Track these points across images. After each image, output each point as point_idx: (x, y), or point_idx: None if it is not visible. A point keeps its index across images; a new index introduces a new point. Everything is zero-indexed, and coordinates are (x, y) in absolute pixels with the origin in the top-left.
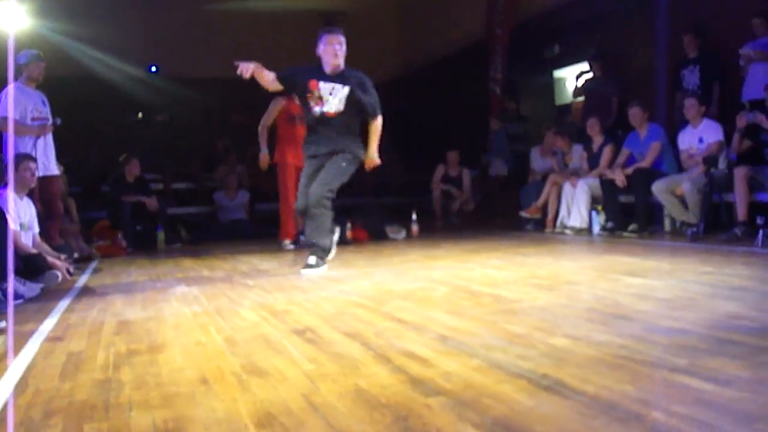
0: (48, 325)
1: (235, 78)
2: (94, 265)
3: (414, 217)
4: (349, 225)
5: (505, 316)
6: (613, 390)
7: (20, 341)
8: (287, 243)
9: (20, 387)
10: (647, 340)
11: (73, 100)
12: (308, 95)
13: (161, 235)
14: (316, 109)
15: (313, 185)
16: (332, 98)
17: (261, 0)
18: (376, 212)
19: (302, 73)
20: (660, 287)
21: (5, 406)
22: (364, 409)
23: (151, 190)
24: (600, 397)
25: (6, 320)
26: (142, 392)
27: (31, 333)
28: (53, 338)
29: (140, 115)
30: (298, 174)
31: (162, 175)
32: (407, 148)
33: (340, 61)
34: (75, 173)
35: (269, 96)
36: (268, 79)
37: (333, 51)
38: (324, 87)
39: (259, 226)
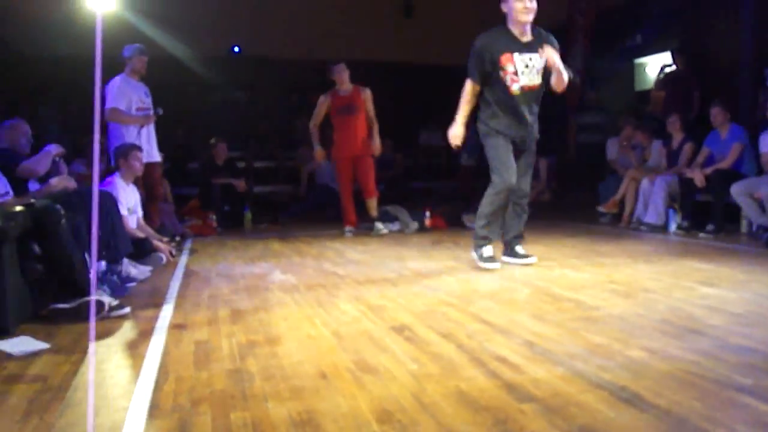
0: (167, 311)
1: (313, 59)
2: (188, 244)
3: None
4: (428, 213)
5: (585, 324)
6: (683, 405)
7: (146, 327)
8: (348, 230)
9: (162, 374)
10: (717, 357)
11: (158, 81)
12: (501, 73)
13: (248, 215)
14: (514, 87)
15: (522, 180)
16: (527, 70)
17: None
18: (452, 198)
19: (485, 55)
20: (733, 300)
21: (154, 391)
22: (467, 411)
23: (239, 171)
24: (671, 411)
25: (126, 305)
26: (272, 384)
27: (153, 319)
28: (177, 326)
29: (161, 111)
30: (352, 165)
31: (245, 154)
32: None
33: (531, 18)
34: (164, 151)
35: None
36: (470, 95)
37: (524, 7)
38: (519, 59)
39: None
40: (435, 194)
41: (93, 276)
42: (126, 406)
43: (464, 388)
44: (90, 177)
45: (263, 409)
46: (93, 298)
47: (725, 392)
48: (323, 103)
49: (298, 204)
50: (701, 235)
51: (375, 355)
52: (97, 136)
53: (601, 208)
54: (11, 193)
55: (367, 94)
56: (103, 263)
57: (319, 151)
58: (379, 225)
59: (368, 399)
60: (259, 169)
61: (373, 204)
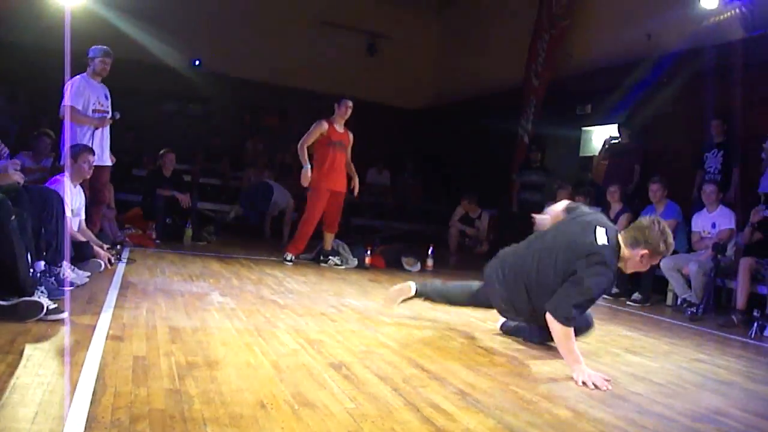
0: (104, 320)
1: (269, 82)
2: (126, 253)
3: (431, 251)
4: (368, 251)
5: (516, 380)
6: None
7: (84, 336)
8: (289, 257)
9: (100, 386)
10: (638, 424)
11: (115, 82)
12: None
13: (189, 231)
14: None
15: None
16: None
17: (310, 12)
18: (393, 239)
19: None
20: (656, 370)
21: (92, 403)
22: None
23: (185, 186)
24: None
25: (64, 310)
26: (212, 409)
27: (91, 327)
28: (114, 337)
29: (118, 115)
30: (328, 199)
31: (192, 167)
32: (430, 177)
33: None
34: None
35: (300, 103)
36: None
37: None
38: None
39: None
40: (377, 233)
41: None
42: (63, 415)
43: (399, 431)
44: (36, 172)
45: None
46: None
47: None
48: (319, 130)
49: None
50: (629, 302)
51: (313, 390)
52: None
53: None
54: None
55: (351, 138)
56: (42, 263)
57: (307, 171)
58: (334, 258)
59: None
60: (204, 185)
61: (331, 238)
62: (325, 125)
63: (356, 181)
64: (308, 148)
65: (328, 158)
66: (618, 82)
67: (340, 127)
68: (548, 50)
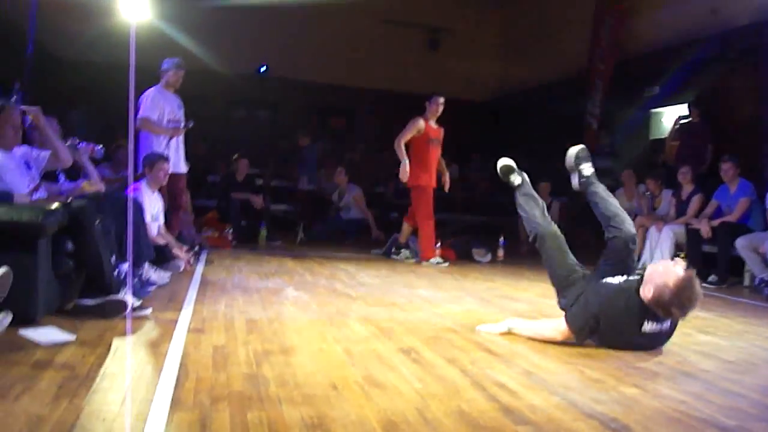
0: (185, 315)
1: (335, 84)
2: (205, 255)
3: (502, 241)
4: (438, 244)
5: (584, 360)
6: None
7: (167, 329)
8: (434, 261)
9: (183, 373)
10: (704, 399)
11: (187, 92)
12: None
13: (263, 232)
14: None
15: None
16: None
17: (371, 11)
18: (463, 231)
19: None
20: (727, 348)
21: (176, 387)
22: (467, 429)
23: (258, 189)
24: None
25: (148, 307)
26: (286, 390)
27: (173, 322)
28: (195, 330)
29: (191, 124)
30: (432, 195)
31: (264, 171)
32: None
33: None
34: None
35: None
36: None
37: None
38: None
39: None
40: (449, 226)
41: (129, 278)
42: (150, 399)
43: (465, 408)
44: (116, 182)
45: (278, 411)
46: (121, 297)
47: (709, 431)
48: (416, 127)
49: (323, 225)
50: (704, 284)
51: (383, 373)
52: (131, 146)
53: None
54: (41, 185)
55: (442, 134)
56: (126, 265)
57: (405, 166)
58: (406, 251)
59: (375, 410)
60: (276, 188)
61: (408, 231)
62: (421, 122)
63: (447, 177)
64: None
65: (426, 155)
66: (685, 60)
67: (434, 124)
68: (611, 33)
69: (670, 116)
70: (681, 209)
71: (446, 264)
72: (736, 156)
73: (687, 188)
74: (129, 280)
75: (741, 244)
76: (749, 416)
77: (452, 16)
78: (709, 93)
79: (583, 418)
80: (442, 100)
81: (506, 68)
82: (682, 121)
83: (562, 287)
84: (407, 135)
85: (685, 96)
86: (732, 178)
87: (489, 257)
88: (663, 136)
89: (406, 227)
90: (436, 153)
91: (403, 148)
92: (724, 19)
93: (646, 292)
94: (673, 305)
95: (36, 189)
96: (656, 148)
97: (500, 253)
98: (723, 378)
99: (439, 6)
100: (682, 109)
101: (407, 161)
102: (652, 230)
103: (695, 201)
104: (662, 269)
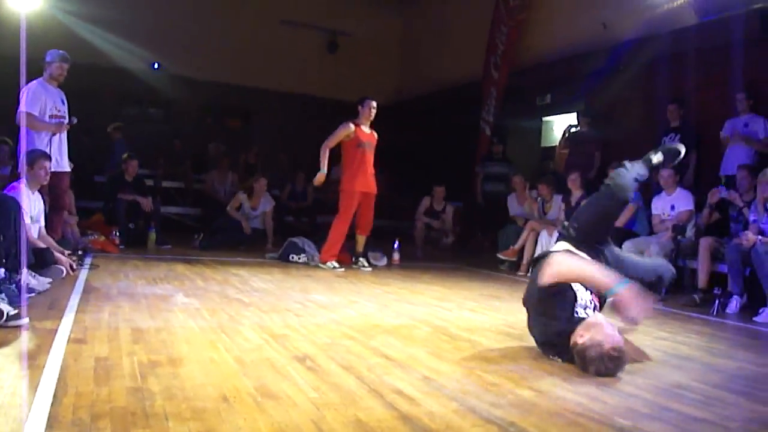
0: (66, 324)
1: (231, 83)
2: (89, 259)
3: (396, 245)
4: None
5: (480, 363)
6: None
7: (45, 340)
8: (329, 265)
9: (61, 387)
10: (600, 400)
11: (75, 86)
12: None
13: (152, 235)
14: None
15: None
16: None
17: (268, 11)
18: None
19: None
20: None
21: (53, 404)
22: None
23: (146, 190)
24: None
25: (24, 315)
26: (174, 404)
27: (52, 332)
28: (76, 340)
29: (75, 120)
30: (360, 200)
31: (154, 171)
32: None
33: None
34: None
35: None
36: None
37: None
38: None
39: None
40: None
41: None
42: (23, 417)
43: (362, 417)
44: None
45: (164, 428)
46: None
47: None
48: (345, 131)
49: (214, 236)
50: None
51: (277, 382)
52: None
53: (501, 255)
54: None
55: (376, 138)
56: (2, 271)
57: (321, 176)
58: (364, 261)
59: (269, 423)
60: (167, 189)
61: (363, 241)
62: (351, 127)
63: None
64: (331, 150)
65: (357, 159)
66: (576, 71)
67: (366, 128)
68: (506, 42)
69: (560, 125)
70: (570, 214)
71: (342, 269)
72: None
73: (576, 193)
74: (5, 286)
75: (627, 247)
76: (643, 416)
77: (351, 19)
78: (599, 103)
79: (482, 423)
80: (374, 103)
81: (404, 73)
82: (572, 130)
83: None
84: (334, 140)
85: (575, 106)
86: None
87: (385, 260)
88: (553, 144)
89: (358, 238)
90: (369, 157)
91: (326, 153)
92: (614, 33)
93: (577, 338)
94: (593, 365)
95: None
96: (547, 155)
97: (396, 256)
98: (616, 378)
99: (338, 9)
100: (572, 119)
101: (325, 170)
102: (544, 234)
103: None
104: (608, 330)
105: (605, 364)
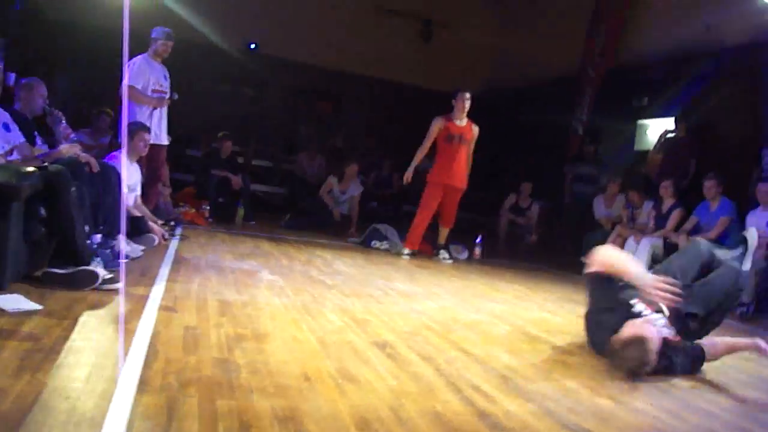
0: (157, 292)
1: (324, 67)
2: (180, 230)
3: (479, 239)
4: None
5: (559, 367)
6: None
7: (137, 305)
8: (407, 251)
9: (152, 352)
10: (680, 417)
11: (173, 63)
12: None
13: (241, 211)
14: None
15: None
16: None
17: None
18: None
19: None
20: (704, 368)
21: (144, 368)
22: (441, 431)
23: (238, 168)
24: None
25: (119, 280)
26: (258, 378)
27: (144, 298)
28: (166, 308)
29: (176, 96)
30: (445, 193)
31: (245, 150)
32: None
33: None
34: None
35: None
36: None
37: None
38: None
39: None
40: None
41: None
42: (116, 377)
43: (440, 409)
44: (93, 149)
45: (249, 401)
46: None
47: None
48: (437, 128)
49: (302, 217)
50: None
51: (357, 366)
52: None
53: (585, 259)
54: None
55: (476, 131)
56: (99, 236)
57: (409, 174)
58: (445, 253)
59: (348, 405)
60: (256, 168)
61: (446, 233)
62: (441, 121)
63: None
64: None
65: (447, 152)
66: (676, 74)
67: (460, 121)
68: (606, 40)
69: (656, 129)
70: (660, 222)
71: (408, 257)
72: (720, 174)
73: (668, 201)
74: (101, 250)
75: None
76: None
77: (447, 8)
78: (698, 109)
79: (559, 428)
80: (467, 95)
81: (497, 65)
82: (668, 135)
83: None
84: (428, 141)
85: (673, 110)
86: (714, 196)
87: (466, 254)
88: (648, 148)
89: (441, 230)
90: (458, 150)
91: (419, 154)
92: (718, 38)
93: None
94: (618, 356)
95: (11, 152)
96: (640, 158)
97: (477, 251)
98: (698, 396)
99: None
100: (669, 123)
101: (412, 170)
102: (630, 240)
103: (675, 215)
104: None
105: (630, 353)
